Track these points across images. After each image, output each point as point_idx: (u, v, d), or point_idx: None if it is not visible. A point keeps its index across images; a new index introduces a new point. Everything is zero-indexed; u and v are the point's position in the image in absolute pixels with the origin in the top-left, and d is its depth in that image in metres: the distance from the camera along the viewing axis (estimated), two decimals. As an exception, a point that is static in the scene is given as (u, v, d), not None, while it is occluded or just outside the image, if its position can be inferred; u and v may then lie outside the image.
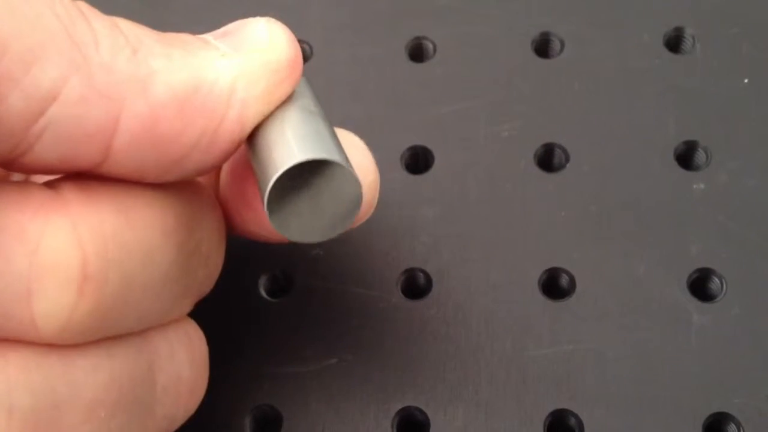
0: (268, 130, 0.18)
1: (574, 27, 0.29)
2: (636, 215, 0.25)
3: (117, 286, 0.17)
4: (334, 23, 0.29)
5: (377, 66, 0.28)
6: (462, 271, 0.25)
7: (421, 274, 0.25)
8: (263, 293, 0.25)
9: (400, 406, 0.23)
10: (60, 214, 0.16)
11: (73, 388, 0.17)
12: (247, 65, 0.18)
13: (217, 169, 0.22)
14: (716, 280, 0.24)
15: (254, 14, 0.19)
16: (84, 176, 0.17)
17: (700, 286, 0.24)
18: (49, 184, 0.17)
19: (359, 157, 0.20)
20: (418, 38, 0.29)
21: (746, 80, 0.27)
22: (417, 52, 0.29)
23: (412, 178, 0.26)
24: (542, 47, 0.29)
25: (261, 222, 0.20)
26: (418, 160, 0.27)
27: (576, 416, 0.23)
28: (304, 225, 0.18)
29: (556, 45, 0.29)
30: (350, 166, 0.17)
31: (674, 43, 0.28)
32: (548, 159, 0.27)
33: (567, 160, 0.26)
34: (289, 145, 0.17)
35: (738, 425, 0.22)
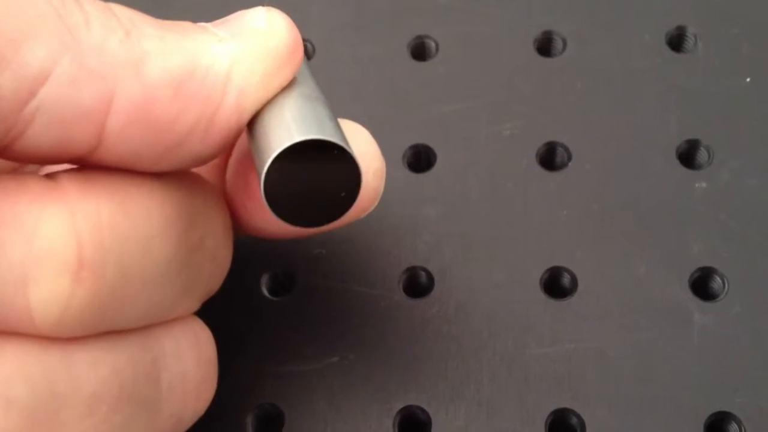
0: (267, 116, 0.18)
1: (576, 26, 0.29)
2: (638, 214, 0.25)
3: (114, 276, 0.17)
4: (336, 22, 0.29)
5: (379, 65, 0.28)
6: (464, 270, 0.25)
7: (423, 273, 0.25)
8: (265, 292, 0.25)
9: (401, 405, 0.23)
10: (57, 202, 0.16)
11: (72, 382, 0.17)
12: (244, 51, 0.18)
13: (221, 163, 0.22)
14: (718, 279, 0.24)
15: (258, 12, 0.19)
16: (82, 168, 0.17)
17: (702, 285, 0.24)
18: (47, 176, 0.17)
19: (363, 145, 0.20)
20: (420, 37, 0.29)
21: (748, 79, 0.27)
22: (419, 51, 0.29)
23: (414, 176, 0.26)
24: (544, 46, 0.29)
25: (265, 214, 0.20)
26: (420, 159, 0.27)
27: (578, 415, 0.23)
28: (304, 210, 0.17)
29: (558, 44, 0.29)
30: (350, 148, 0.17)
31: (676, 42, 0.28)
32: (550, 158, 0.27)
33: (569, 159, 0.26)
34: (288, 127, 0.17)
35: (739, 424, 0.22)
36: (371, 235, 0.25)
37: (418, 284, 0.25)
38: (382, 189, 0.21)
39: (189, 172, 0.19)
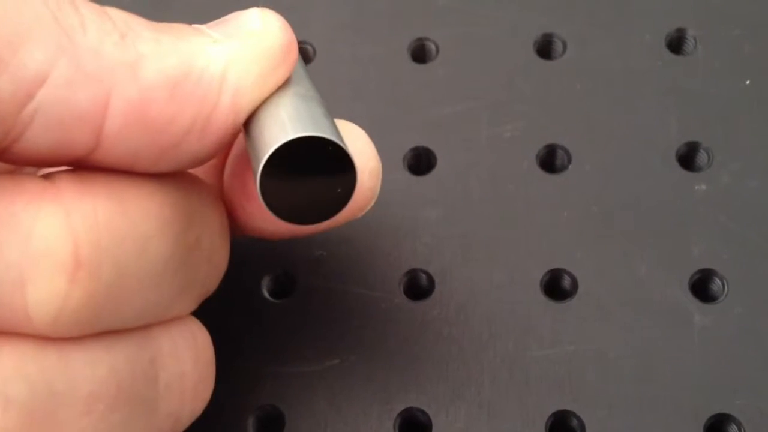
0: (263, 115, 0.18)
1: (576, 28, 0.29)
2: (638, 216, 0.25)
3: (111, 275, 0.17)
4: (336, 24, 0.29)
5: (379, 67, 0.28)
6: (464, 272, 0.25)
7: (424, 275, 0.25)
8: (266, 294, 0.25)
9: (402, 407, 0.23)
10: (53, 202, 0.16)
11: (70, 381, 0.17)
12: (239, 51, 0.18)
13: (219, 164, 0.22)
14: (718, 281, 0.24)
15: (257, 14, 0.19)
16: (79, 168, 0.18)
17: (702, 286, 0.24)
18: (44, 177, 0.17)
19: (359, 144, 0.20)
20: (420, 39, 0.29)
21: (748, 81, 0.27)
22: (419, 53, 0.29)
23: (414, 179, 0.26)
24: (544, 48, 0.29)
25: (263, 214, 0.20)
26: (421, 161, 0.27)
27: (578, 417, 0.23)
28: (300, 208, 0.17)
29: (558, 46, 0.29)
30: (345, 145, 0.17)
31: (676, 44, 0.28)
32: (550, 160, 0.27)
33: (569, 161, 0.26)
34: (284, 125, 0.17)
35: (739, 426, 0.22)
36: (372, 237, 0.25)
37: (418, 286, 0.25)
38: (378, 188, 0.21)
39: (186, 173, 0.19)
